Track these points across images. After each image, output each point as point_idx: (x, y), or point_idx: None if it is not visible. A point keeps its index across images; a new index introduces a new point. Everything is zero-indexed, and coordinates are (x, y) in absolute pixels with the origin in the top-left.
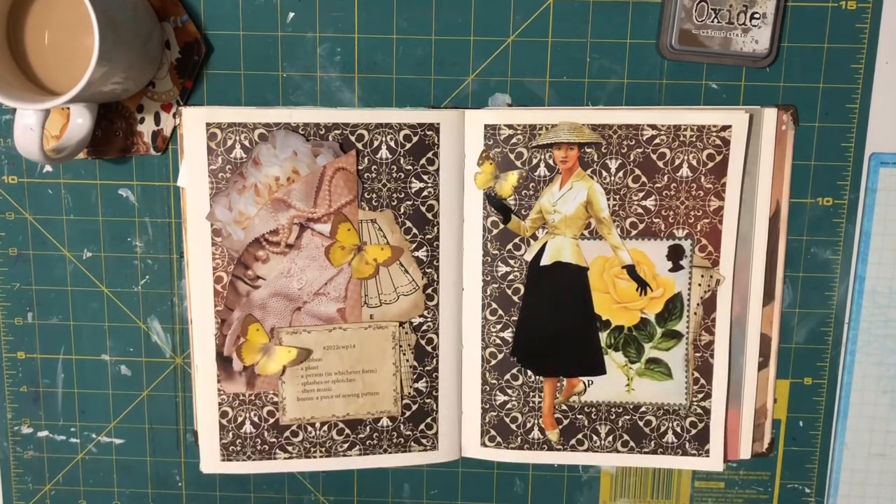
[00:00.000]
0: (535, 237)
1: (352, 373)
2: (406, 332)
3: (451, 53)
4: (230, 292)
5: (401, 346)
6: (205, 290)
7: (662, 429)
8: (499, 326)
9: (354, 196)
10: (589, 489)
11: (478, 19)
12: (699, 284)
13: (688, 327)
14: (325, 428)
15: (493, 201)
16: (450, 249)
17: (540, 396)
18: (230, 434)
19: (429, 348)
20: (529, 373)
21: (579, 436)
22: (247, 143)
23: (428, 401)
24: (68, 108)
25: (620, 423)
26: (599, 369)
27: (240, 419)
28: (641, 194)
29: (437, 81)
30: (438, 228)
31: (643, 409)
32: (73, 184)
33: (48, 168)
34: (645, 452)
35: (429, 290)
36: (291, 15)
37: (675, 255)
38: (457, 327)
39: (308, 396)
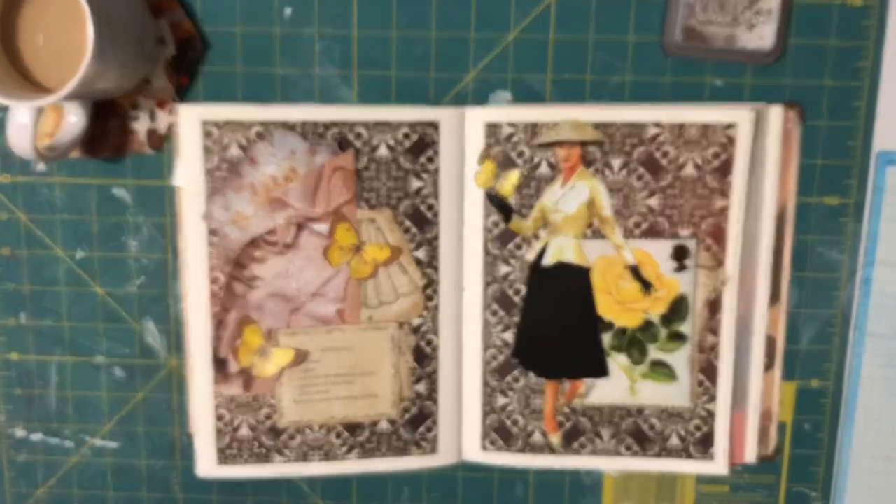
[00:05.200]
0: (536, 237)
1: (350, 375)
2: (406, 334)
3: (451, 50)
4: (227, 293)
5: (400, 348)
6: (201, 290)
7: (666, 432)
8: (500, 327)
9: (353, 195)
10: (592, 493)
11: (478, 15)
12: (704, 285)
13: (692, 329)
14: (323, 431)
15: (494, 200)
16: (450, 249)
17: (542, 399)
18: (227, 437)
19: (428, 350)
20: (531, 374)
21: (582, 439)
22: (244, 141)
23: (427, 403)
24: (62, 106)
25: (624, 426)
26: (602, 371)
27: (236, 422)
28: (645, 193)
29: (437, 79)
30: (438, 228)
31: (647, 411)
32: (66, 183)
33: (41, 166)
34: (649, 456)
35: (428, 291)
36: (289, 11)
37: (680, 255)
38: (457, 328)
39: (305, 398)
